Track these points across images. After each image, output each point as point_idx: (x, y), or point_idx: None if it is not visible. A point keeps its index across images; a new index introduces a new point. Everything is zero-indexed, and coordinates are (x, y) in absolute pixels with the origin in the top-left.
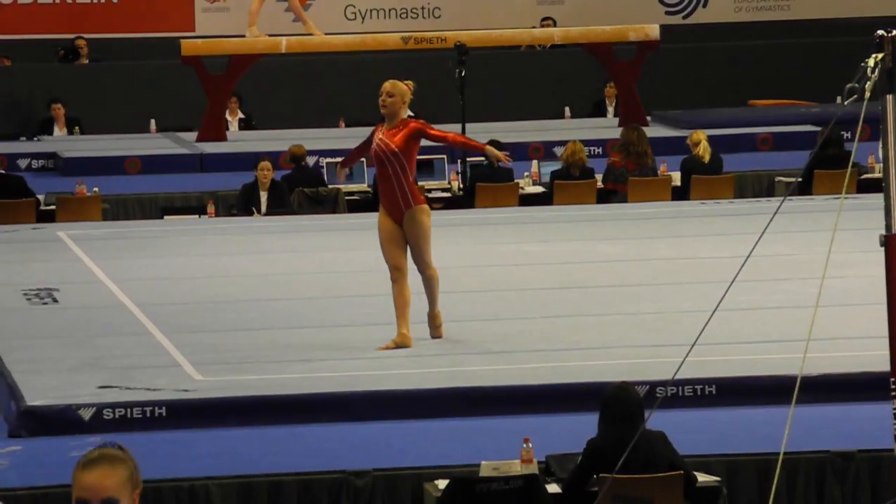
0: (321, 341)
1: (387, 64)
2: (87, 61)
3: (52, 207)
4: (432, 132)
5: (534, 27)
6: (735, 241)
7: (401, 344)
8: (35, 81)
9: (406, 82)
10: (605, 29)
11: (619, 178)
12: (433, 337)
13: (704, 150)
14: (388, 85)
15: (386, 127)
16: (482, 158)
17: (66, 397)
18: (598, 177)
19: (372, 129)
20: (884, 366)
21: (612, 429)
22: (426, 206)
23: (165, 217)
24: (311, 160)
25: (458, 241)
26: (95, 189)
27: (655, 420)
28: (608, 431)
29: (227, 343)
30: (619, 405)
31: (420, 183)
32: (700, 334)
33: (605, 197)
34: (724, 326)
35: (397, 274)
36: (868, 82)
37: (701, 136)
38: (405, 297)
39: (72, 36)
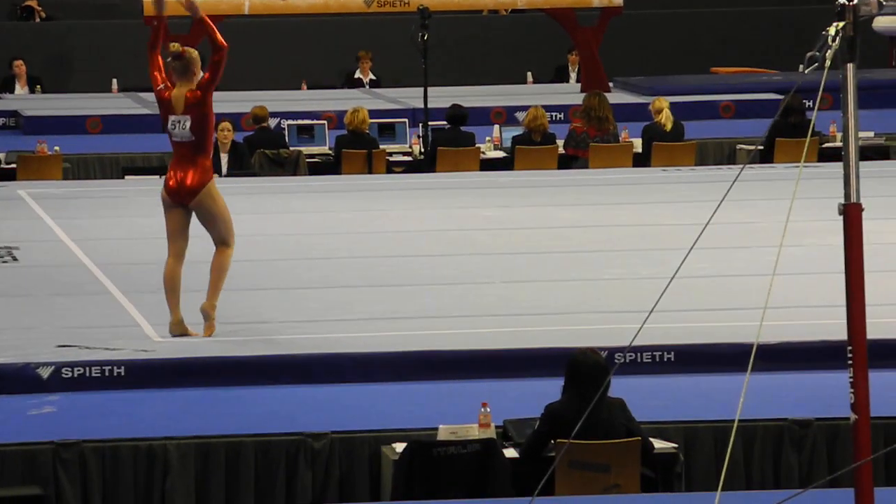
0: (280, 303)
1: (349, 26)
2: (43, 17)
3: (13, 166)
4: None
5: None
6: (695, 208)
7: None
8: None
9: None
10: None
11: (580, 144)
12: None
13: (667, 119)
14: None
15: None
16: (444, 122)
17: (25, 356)
18: (560, 142)
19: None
20: (841, 334)
21: (575, 394)
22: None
23: (126, 177)
24: (272, 122)
25: (419, 205)
26: (56, 148)
27: (613, 386)
28: (570, 397)
29: (187, 304)
30: (583, 371)
31: (382, 146)
32: (658, 301)
33: (566, 163)
34: (682, 293)
35: None
36: (829, 51)
37: (663, 103)
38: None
39: None
